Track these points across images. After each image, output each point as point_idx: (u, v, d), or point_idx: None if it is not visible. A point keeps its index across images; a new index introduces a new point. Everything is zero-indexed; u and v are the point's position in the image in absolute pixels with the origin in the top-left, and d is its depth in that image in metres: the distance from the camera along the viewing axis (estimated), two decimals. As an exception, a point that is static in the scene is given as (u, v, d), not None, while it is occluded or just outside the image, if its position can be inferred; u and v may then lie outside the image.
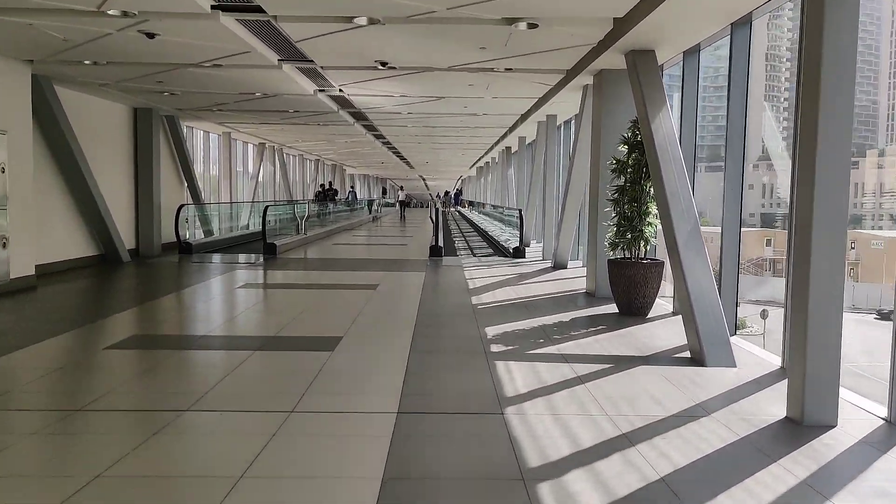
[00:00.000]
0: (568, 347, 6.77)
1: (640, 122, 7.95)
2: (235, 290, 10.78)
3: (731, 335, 7.06)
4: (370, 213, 39.06)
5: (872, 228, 14.96)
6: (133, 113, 15.57)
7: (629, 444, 4.14)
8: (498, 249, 18.72)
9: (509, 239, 18.43)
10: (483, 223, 28.99)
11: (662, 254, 9.84)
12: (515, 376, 5.69)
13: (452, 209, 54.97)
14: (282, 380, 5.59)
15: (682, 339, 7.04)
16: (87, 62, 10.43)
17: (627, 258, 8.76)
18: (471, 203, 47.67)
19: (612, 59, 8.90)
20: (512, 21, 7.65)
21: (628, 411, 4.78)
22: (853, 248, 13.18)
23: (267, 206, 17.30)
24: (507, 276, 12.50)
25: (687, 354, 6.54)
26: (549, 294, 10.40)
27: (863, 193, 14.75)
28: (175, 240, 16.32)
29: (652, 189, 8.38)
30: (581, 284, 11.17)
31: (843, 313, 4.65)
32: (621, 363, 6.18)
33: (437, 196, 64.93)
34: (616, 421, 4.57)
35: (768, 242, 16.83)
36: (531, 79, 11.60)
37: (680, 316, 8.33)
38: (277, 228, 19.76)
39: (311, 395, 5.07)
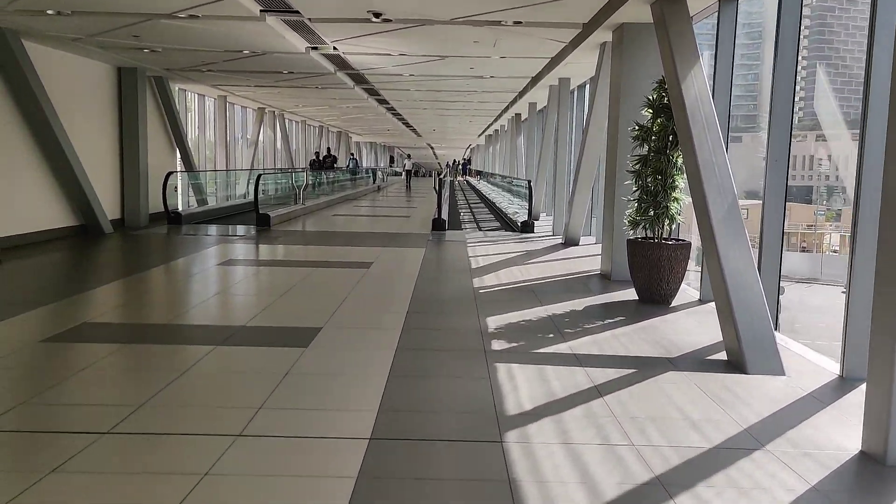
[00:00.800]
0: (582, 345, 5.78)
1: (668, 81, 6.85)
2: (215, 267, 9.82)
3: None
4: (374, 182, 37.78)
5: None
6: (117, 73, 14.48)
7: (666, 497, 3.16)
8: (505, 223, 17.68)
9: (517, 212, 17.35)
10: (491, 194, 27.87)
11: (686, 234, 8.81)
12: (519, 385, 4.72)
13: (461, 178, 53.82)
14: (238, 388, 4.64)
15: (714, 335, 6.05)
16: (49, 12, 9.37)
17: (650, 238, 7.73)
18: (479, 172, 46.48)
19: (636, 11, 7.82)
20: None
21: (660, 440, 3.81)
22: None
23: (259, 175, 16.20)
24: (514, 254, 11.48)
25: (723, 356, 5.55)
26: (559, 276, 9.39)
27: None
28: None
29: (680, 159, 7.33)
30: (594, 264, 10.16)
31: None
32: (646, 367, 5.19)
33: (447, 165, 63.58)
34: (645, 455, 3.59)
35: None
36: (543, 34, 10.45)
37: (708, 305, 7.36)
38: (273, 198, 18.73)
39: (268, 411, 4.12)
